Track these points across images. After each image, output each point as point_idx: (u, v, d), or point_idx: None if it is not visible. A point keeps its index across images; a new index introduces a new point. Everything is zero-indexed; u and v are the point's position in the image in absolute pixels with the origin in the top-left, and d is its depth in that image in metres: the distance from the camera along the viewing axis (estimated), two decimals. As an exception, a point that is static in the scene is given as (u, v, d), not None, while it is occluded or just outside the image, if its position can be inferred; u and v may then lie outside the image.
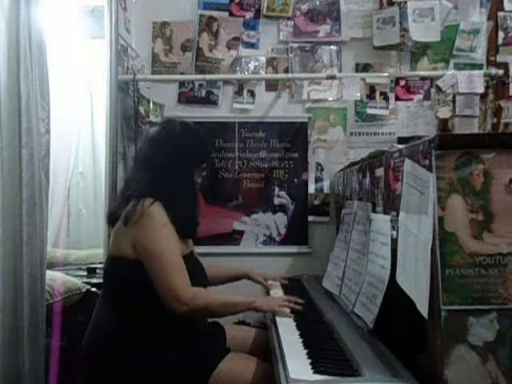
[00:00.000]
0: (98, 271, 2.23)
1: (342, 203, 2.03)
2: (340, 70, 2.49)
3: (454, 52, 2.46)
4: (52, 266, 2.24)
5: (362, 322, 1.37)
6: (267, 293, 1.92)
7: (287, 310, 1.53)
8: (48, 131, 1.80)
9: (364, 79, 2.44)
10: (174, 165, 1.55)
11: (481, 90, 2.31)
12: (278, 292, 1.88)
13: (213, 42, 2.50)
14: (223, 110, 2.51)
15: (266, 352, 1.44)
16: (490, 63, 2.44)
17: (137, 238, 1.46)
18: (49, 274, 1.85)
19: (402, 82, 2.46)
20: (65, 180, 2.73)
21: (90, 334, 1.51)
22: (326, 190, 2.50)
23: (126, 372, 1.42)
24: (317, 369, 1.11)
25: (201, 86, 2.51)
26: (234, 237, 2.49)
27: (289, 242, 2.49)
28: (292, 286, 2.06)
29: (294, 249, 2.48)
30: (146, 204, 1.46)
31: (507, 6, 2.44)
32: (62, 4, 2.46)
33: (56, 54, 2.22)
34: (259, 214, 2.49)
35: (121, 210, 1.52)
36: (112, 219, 1.58)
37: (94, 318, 1.53)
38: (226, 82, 2.51)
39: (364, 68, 2.50)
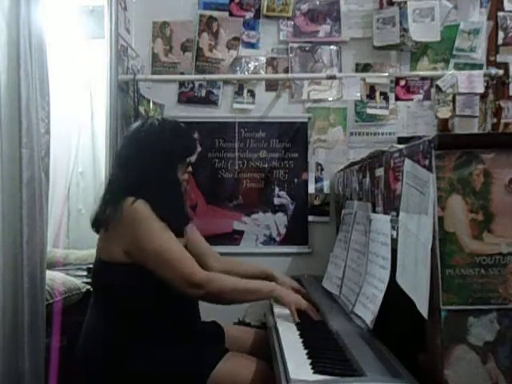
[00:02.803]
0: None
1: (342, 203, 2.03)
2: (340, 70, 2.49)
3: (454, 52, 2.46)
4: (52, 265, 2.23)
5: (362, 322, 1.37)
6: None
7: (289, 320, 1.50)
8: (48, 131, 1.79)
9: (364, 79, 2.44)
10: (153, 163, 1.52)
11: (481, 90, 2.31)
12: None
13: (213, 42, 2.50)
14: (223, 110, 2.51)
15: (266, 352, 1.44)
16: (489, 63, 2.44)
17: (130, 243, 1.44)
18: (49, 273, 1.85)
19: (402, 82, 2.47)
20: (65, 180, 2.72)
21: (84, 338, 1.50)
22: (326, 190, 2.50)
23: (124, 373, 1.42)
24: (317, 369, 1.10)
25: (201, 86, 2.51)
26: (234, 237, 2.49)
27: (289, 242, 2.49)
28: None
29: (293, 249, 2.48)
30: (126, 204, 1.44)
31: (507, 6, 2.44)
32: (62, 4, 2.45)
33: (56, 54, 2.22)
34: (259, 213, 2.49)
35: (102, 214, 1.50)
36: (96, 225, 1.55)
37: (88, 322, 1.52)
38: (226, 82, 2.51)
39: (364, 68, 2.50)
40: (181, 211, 1.60)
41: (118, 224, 1.44)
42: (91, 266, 2.27)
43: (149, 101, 2.43)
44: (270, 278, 1.82)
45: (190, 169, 1.67)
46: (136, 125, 1.64)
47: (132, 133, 1.61)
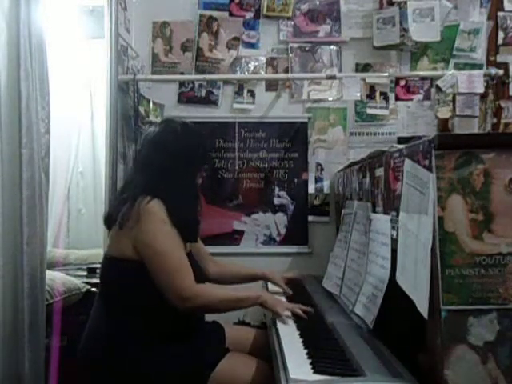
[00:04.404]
0: (97, 271, 2.22)
1: (342, 203, 2.03)
2: (340, 70, 2.49)
3: (454, 52, 2.46)
4: (52, 265, 2.24)
5: (362, 322, 1.37)
6: (267, 289, 1.89)
7: (289, 320, 1.48)
8: (48, 131, 1.80)
9: (364, 79, 2.44)
10: (176, 167, 1.52)
11: (481, 90, 2.31)
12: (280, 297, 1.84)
13: (213, 42, 2.50)
14: (223, 110, 2.51)
15: (266, 352, 1.44)
16: (489, 63, 2.44)
17: (137, 237, 1.44)
18: (49, 273, 1.85)
19: (402, 82, 2.47)
20: (65, 180, 2.73)
21: (87, 336, 1.50)
22: (326, 190, 2.50)
23: (125, 372, 1.41)
24: (317, 369, 1.11)
25: (201, 86, 2.51)
26: (234, 237, 2.49)
27: (289, 242, 2.49)
28: (292, 286, 2.05)
29: (293, 249, 2.48)
30: (143, 202, 1.44)
31: (507, 6, 2.45)
32: (62, 4, 2.46)
33: (56, 54, 2.22)
34: (259, 213, 2.49)
35: (117, 212, 1.49)
36: (109, 222, 1.56)
37: (92, 320, 1.52)
38: (226, 82, 2.51)
39: (364, 68, 2.50)
40: (194, 219, 1.59)
41: (132, 221, 1.44)
42: (91, 265, 2.29)
43: (149, 101, 2.43)
44: (261, 277, 1.90)
45: (204, 174, 1.67)
46: (157, 128, 1.62)
47: (154, 136, 1.58)
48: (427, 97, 2.48)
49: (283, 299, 1.75)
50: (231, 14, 2.51)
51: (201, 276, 1.63)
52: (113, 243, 1.52)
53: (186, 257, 1.47)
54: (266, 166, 2.50)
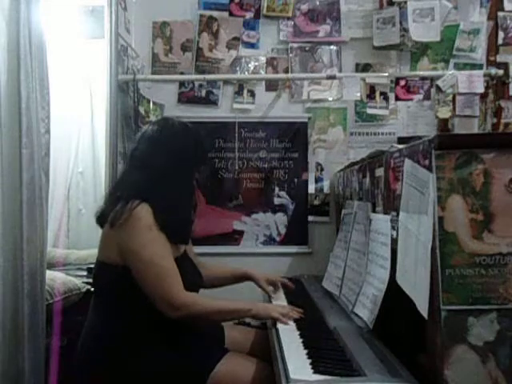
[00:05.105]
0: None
1: (342, 203, 2.03)
2: (340, 70, 2.49)
3: (454, 52, 2.46)
4: (52, 265, 2.23)
5: (362, 322, 1.37)
6: (269, 299, 1.81)
7: (287, 320, 1.47)
8: (48, 131, 1.79)
9: (364, 79, 2.44)
10: (174, 167, 1.50)
11: (481, 89, 2.31)
12: (280, 297, 1.81)
13: (213, 42, 2.50)
14: (223, 110, 2.51)
15: (266, 352, 1.44)
16: (490, 63, 2.44)
17: (123, 243, 1.41)
18: (49, 273, 1.85)
19: (402, 82, 2.47)
20: (65, 180, 2.72)
21: (84, 338, 1.49)
22: (326, 190, 2.50)
23: (123, 373, 1.41)
24: (317, 369, 1.11)
25: (201, 86, 2.51)
26: (234, 237, 2.48)
27: (289, 242, 2.49)
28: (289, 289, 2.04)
29: (294, 249, 2.48)
30: (132, 206, 1.41)
31: (507, 5, 2.44)
32: (62, 4, 2.45)
33: (56, 53, 2.22)
34: (259, 213, 2.49)
35: (109, 211, 1.47)
36: (101, 220, 1.53)
37: (88, 322, 1.52)
38: (226, 82, 2.51)
39: (364, 68, 2.50)
40: (187, 220, 1.56)
41: (120, 224, 1.42)
42: (91, 265, 2.27)
43: (149, 101, 2.43)
44: (245, 277, 1.82)
45: (201, 174, 1.65)
46: (155, 126, 1.57)
47: (152, 134, 1.54)
48: (427, 97, 2.47)
49: (284, 303, 1.71)
50: (231, 14, 2.50)
51: (197, 278, 1.63)
52: (102, 246, 1.51)
53: (174, 264, 1.43)
54: (266, 166, 2.50)
